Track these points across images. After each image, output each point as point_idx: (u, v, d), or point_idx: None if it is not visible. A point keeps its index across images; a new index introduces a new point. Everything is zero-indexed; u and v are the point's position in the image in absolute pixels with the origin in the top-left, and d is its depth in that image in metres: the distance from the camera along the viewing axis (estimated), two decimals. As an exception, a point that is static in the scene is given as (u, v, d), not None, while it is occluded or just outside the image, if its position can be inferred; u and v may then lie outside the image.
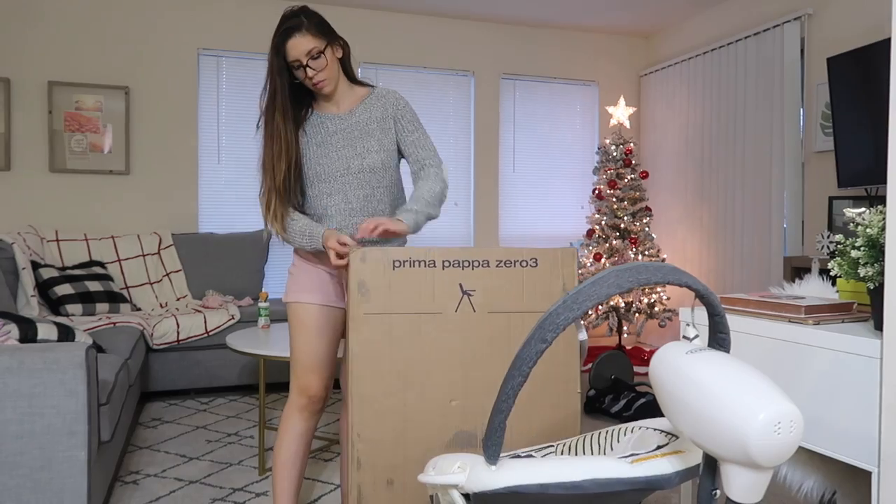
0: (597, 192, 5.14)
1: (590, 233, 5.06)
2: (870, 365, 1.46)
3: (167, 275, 4.45)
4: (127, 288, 4.32)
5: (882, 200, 3.65)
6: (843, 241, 1.58)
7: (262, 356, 2.79)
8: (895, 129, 1.38)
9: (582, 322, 4.32)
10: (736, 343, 1.80)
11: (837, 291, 1.85)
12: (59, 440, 2.01)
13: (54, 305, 3.83)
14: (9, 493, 1.98)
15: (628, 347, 5.35)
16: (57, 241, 4.25)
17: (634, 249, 4.92)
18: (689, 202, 5.29)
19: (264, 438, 2.87)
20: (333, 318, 2.03)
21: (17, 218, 4.44)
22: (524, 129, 5.65)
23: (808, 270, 3.71)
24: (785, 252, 4.41)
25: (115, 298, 4.02)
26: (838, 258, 1.60)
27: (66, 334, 2.41)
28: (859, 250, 1.52)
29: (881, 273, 1.48)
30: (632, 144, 5.12)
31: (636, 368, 4.71)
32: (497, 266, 1.64)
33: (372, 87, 2.07)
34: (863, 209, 3.77)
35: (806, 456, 1.83)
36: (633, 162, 5.11)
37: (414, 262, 1.61)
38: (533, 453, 1.47)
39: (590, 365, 4.03)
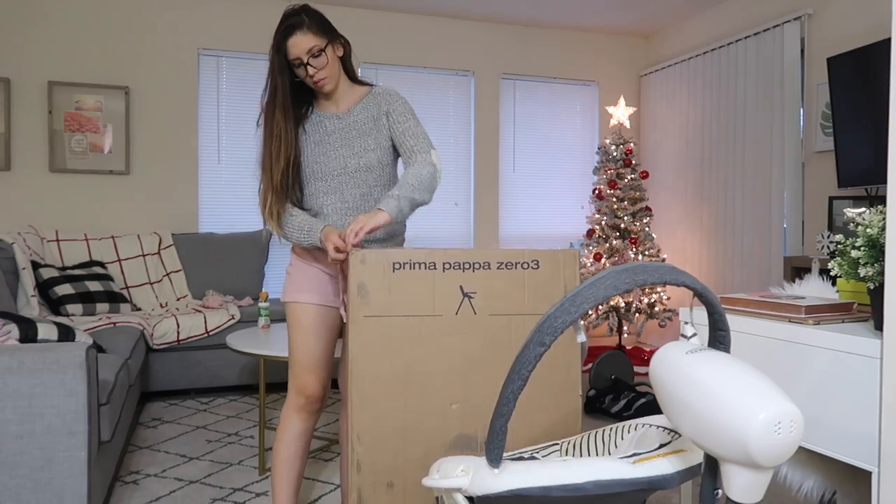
0: (597, 192, 5.14)
1: (590, 233, 5.06)
2: (870, 365, 1.46)
3: (167, 275, 4.45)
4: (127, 288, 4.32)
5: (882, 200, 3.65)
6: (843, 241, 1.58)
7: (262, 356, 2.80)
8: (895, 129, 1.38)
9: (581, 322, 4.31)
10: (736, 343, 1.80)
11: (837, 291, 1.85)
12: (59, 440, 2.01)
13: (54, 305, 3.83)
14: (9, 493, 1.98)
15: (628, 347, 5.35)
16: (57, 241, 4.25)
17: (634, 249, 4.92)
18: (689, 202, 5.29)
19: (264, 438, 2.87)
20: (331, 318, 2.03)
21: (18, 218, 4.44)
22: (524, 129, 5.65)
23: (808, 270, 3.72)
24: (785, 252, 4.41)
25: (115, 298, 4.02)
26: (838, 258, 1.60)
27: (66, 334, 2.41)
28: (859, 250, 1.52)
29: (881, 273, 1.48)
30: (632, 144, 5.12)
31: (636, 368, 4.71)
32: (498, 268, 1.63)
33: (372, 86, 2.07)
34: (863, 209, 3.77)
35: (806, 456, 1.83)
36: (633, 162, 5.11)
37: (414, 264, 1.60)
38: (536, 454, 1.47)
39: (590, 365, 4.03)
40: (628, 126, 5.19)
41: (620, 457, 1.16)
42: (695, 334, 1.17)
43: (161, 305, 4.33)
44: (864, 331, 1.57)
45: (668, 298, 5.07)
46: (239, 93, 4.91)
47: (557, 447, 1.51)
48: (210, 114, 4.86)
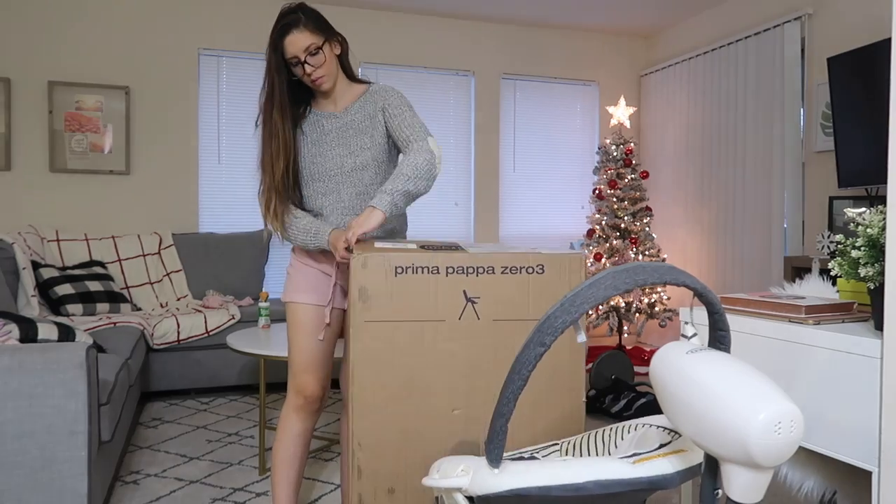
0: (597, 191, 5.14)
1: (590, 233, 5.06)
2: (870, 365, 1.46)
3: (167, 275, 4.45)
4: (127, 288, 4.32)
5: (882, 200, 3.65)
6: (843, 241, 1.58)
7: (262, 356, 2.79)
8: (895, 128, 1.38)
9: (587, 315, 4.31)
10: (736, 343, 1.80)
11: (838, 291, 1.85)
12: (59, 440, 2.01)
13: (55, 305, 3.83)
14: (9, 493, 1.98)
15: (629, 347, 5.35)
16: (57, 240, 4.25)
17: (635, 249, 4.92)
18: (690, 202, 5.29)
19: (264, 438, 2.87)
20: (331, 319, 2.03)
21: (18, 218, 4.44)
22: (524, 129, 5.65)
23: (808, 270, 3.71)
24: (785, 252, 4.41)
25: (115, 298, 4.02)
26: (838, 258, 1.60)
27: (66, 334, 2.41)
28: (859, 250, 1.52)
29: (881, 273, 1.48)
30: (632, 144, 5.12)
31: (636, 368, 4.72)
32: (502, 272, 1.61)
33: (369, 84, 2.05)
34: (863, 209, 3.77)
35: (806, 456, 1.83)
36: (634, 162, 5.11)
37: (417, 268, 1.58)
38: (536, 454, 1.47)
39: (590, 365, 4.03)
40: (628, 126, 5.19)
41: (620, 457, 1.16)
42: (695, 334, 1.17)
43: (161, 305, 4.33)
44: (865, 331, 1.57)
45: (669, 298, 5.07)
46: (239, 93, 4.91)
47: (557, 447, 1.50)
48: (210, 114, 4.86)
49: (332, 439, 3.06)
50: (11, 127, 4.43)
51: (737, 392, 1.02)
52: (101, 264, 4.24)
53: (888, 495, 1.41)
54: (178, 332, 3.87)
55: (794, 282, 2.12)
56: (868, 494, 1.76)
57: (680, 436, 1.27)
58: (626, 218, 4.99)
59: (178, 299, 4.41)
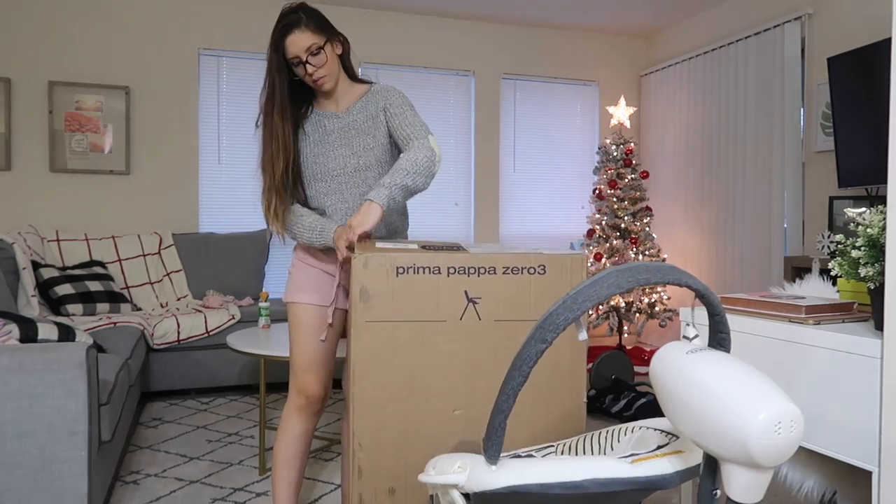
0: (597, 191, 5.14)
1: (590, 233, 5.06)
2: (870, 365, 1.46)
3: (167, 275, 4.45)
4: (127, 288, 4.32)
5: (882, 200, 3.65)
6: (843, 241, 1.58)
7: (262, 356, 2.79)
8: (895, 128, 1.38)
9: (588, 315, 4.31)
10: (736, 343, 1.80)
11: (838, 291, 1.86)
12: (59, 440, 2.02)
13: (55, 305, 3.83)
14: (9, 493, 1.98)
15: (629, 347, 5.35)
16: (57, 240, 4.25)
17: (635, 249, 4.92)
18: (690, 202, 5.29)
19: (265, 438, 2.87)
20: (333, 319, 2.03)
21: (18, 218, 4.44)
22: (524, 129, 5.65)
23: (808, 270, 3.71)
24: (785, 252, 4.41)
25: (115, 298, 4.02)
26: (839, 258, 1.60)
27: (66, 334, 2.41)
28: (860, 250, 1.52)
29: (881, 273, 1.48)
30: (632, 144, 5.12)
31: (637, 368, 4.72)
32: (504, 273, 1.60)
33: (371, 84, 2.05)
34: (863, 209, 3.77)
35: (806, 456, 1.83)
36: (634, 162, 5.11)
37: (418, 268, 1.57)
38: (533, 453, 1.47)
39: (590, 365, 4.03)
40: (628, 126, 5.19)
41: (619, 457, 1.16)
42: (696, 336, 1.17)
43: (161, 305, 4.33)
44: (865, 331, 1.57)
45: (669, 298, 5.07)
46: (239, 93, 4.91)
47: (553, 449, 1.50)
48: (210, 114, 4.86)
49: (332, 439, 3.06)
50: (11, 127, 4.43)
51: (737, 392, 1.02)
52: (102, 264, 4.24)
53: (888, 495, 1.41)
54: (179, 332, 3.87)
55: (794, 282, 2.12)
56: (868, 494, 1.76)
57: (677, 438, 1.27)
58: (626, 218, 4.99)
59: (179, 299, 4.41)
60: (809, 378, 1.60)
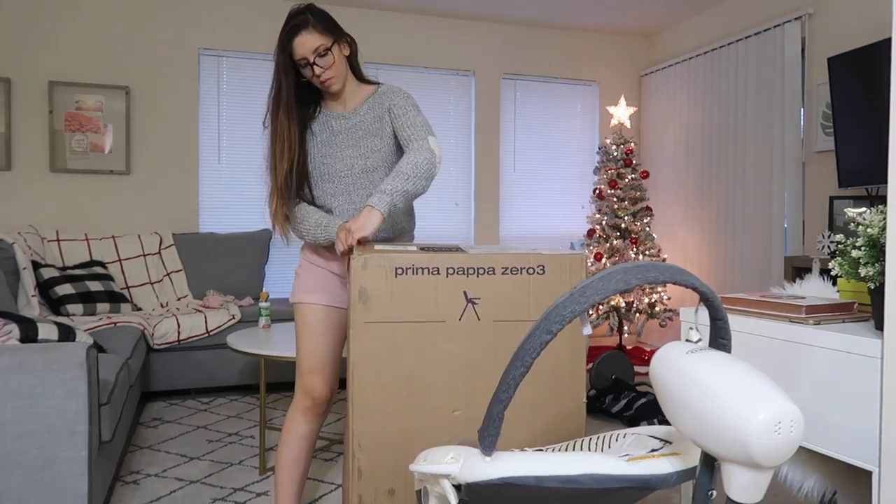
0: (597, 191, 5.14)
1: (590, 233, 5.06)
2: (870, 365, 1.46)
3: (168, 275, 4.45)
4: (128, 288, 4.32)
5: (883, 200, 3.65)
6: (843, 241, 1.58)
7: (262, 356, 2.79)
8: (895, 128, 1.38)
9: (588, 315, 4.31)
10: (736, 343, 1.80)
11: (838, 291, 1.85)
12: (59, 440, 2.02)
13: (55, 305, 3.83)
14: (9, 493, 1.98)
15: (629, 347, 5.35)
16: (57, 240, 4.25)
17: (635, 249, 4.92)
18: (690, 202, 5.29)
19: (265, 438, 2.87)
20: (338, 319, 2.02)
21: (18, 218, 4.44)
22: (525, 129, 5.65)
23: (808, 270, 3.71)
24: (785, 252, 4.41)
25: (115, 298, 4.03)
26: (839, 258, 1.60)
27: (66, 334, 2.41)
28: (860, 250, 1.52)
29: (882, 273, 1.48)
30: (632, 144, 5.12)
31: (637, 368, 4.71)
32: (503, 273, 1.60)
33: (378, 85, 2.04)
34: (863, 209, 3.77)
35: (806, 456, 1.83)
36: (634, 162, 5.12)
37: (417, 269, 1.57)
38: (526, 451, 1.47)
39: (590, 365, 4.03)
40: (629, 126, 5.19)
41: (617, 455, 1.16)
42: (700, 339, 1.16)
43: (161, 305, 4.33)
44: (865, 331, 1.57)
45: (669, 298, 5.07)
46: (240, 93, 4.91)
47: (543, 451, 1.50)
48: (211, 114, 4.86)
49: (332, 439, 3.07)
50: (12, 127, 4.43)
51: (737, 392, 1.02)
52: (102, 264, 4.24)
53: (888, 495, 1.41)
54: (179, 332, 3.87)
55: (794, 282, 2.12)
56: (868, 494, 1.76)
57: (671, 444, 1.27)
58: (626, 218, 4.99)
59: (179, 299, 4.41)
60: (809, 378, 1.60)
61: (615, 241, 4.94)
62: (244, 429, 3.48)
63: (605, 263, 4.90)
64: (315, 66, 1.88)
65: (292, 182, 1.92)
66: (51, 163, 4.47)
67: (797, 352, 1.63)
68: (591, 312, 4.84)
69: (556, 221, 5.72)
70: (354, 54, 2.00)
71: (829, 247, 3.42)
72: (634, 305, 4.87)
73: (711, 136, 5.04)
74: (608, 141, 5.15)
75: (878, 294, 1.52)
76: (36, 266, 3.91)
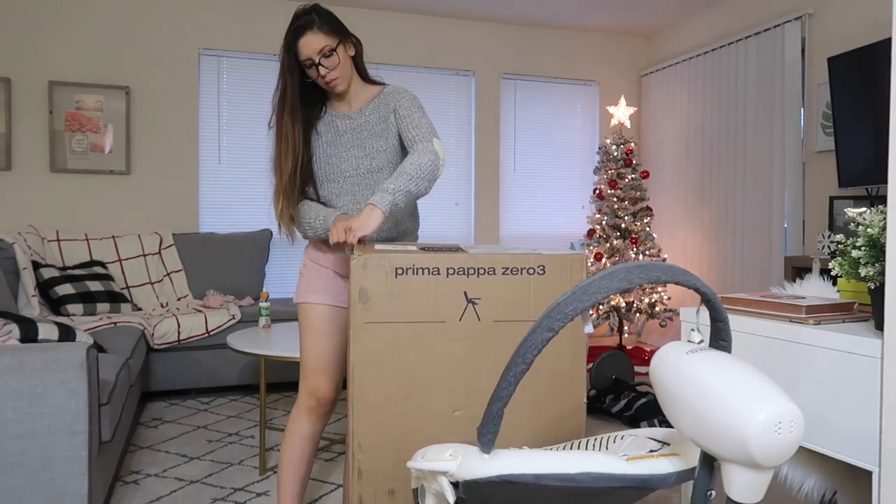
0: (597, 191, 5.14)
1: (590, 233, 5.06)
2: (870, 365, 1.46)
3: (168, 275, 4.45)
4: (128, 288, 4.32)
5: (883, 200, 3.65)
6: (843, 241, 1.58)
7: (262, 356, 2.79)
8: (895, 128, 1.38)
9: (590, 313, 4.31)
10: (737, 343, 1.80)
11: (838, 291, 1.85)
12: (60, 440, 2.02)
13: (55, 305, 3.83)
14: (10, 493, 1.98)
15: (629, 347, 5.35)
16: (58, 240, 4.25)
17: (635, 249, 4.92)
18: (690, 202, 5.29)
19: (265, 438, 2.87)
20: (343, 319, 2.02)
21: (18, 218, 4.44)
22: (525, 129, 5.65)
23: (808, 270, 3.71)
24: (786, 252, 4.41)
25: (115, 298, 4.03)
26: (839, 258, 1.60)
27: (66, 334, 2.41)
28: (860, 250, 1.52)
29: (882, 273, 1.48)
30: (632, 144, 5.12)
31: (637, 368, 4.71)
32: (503, 273, 1.59)
33: (384, 85, 2.04)
34: (863, 209, 3.77)
35: (806, 456, 1.83)
36: (634, 162, 5.12)
37: (417, 269, 1.56)
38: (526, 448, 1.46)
39: (590, 365, 4.03)
40: (629, 126, 5.19)
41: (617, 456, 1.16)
42: (701, 341, 1.16)
43: (162, 305, 4.33)
44: (865, 331, 1.57)
45: (669, 298, 5.07)
46: (240, 93, 4.91)
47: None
48: (211, 114, 4.86)
49: (333, 439, 3.07)
50: (12, 127, 4.43)
51: (737, 392, 1.02)
52: (102, 264, 4.24)
53: (888, 495, 1.41)
54: (179, 332, 3.87)
55: (794, 282, 2.12)
56: (868, 494, 1.76)
57: (669, 445, 1.27)
58: (626, 218, 4.99)
59: (179, 299, 4.41)
60: (810, 378, 1.60)
61: (615, 241, 4.94)
62: (244, 429, 3.48)
63: (605, 263, 4.90)
64: (320, 67, 1.88)
65: (296, 182, 1.92)
66: (51, 163, 4.47)
67: (797, 352, 1.63)
68: (591, 312, 4.85)
69: (557, 221, 5.72)
70: (360, 55, 2.00)
71: (829, 247, 3.42)
72: (634, 305, 4.87)
73: (711, 136, 5.04)
74: (608, 141, 5.15)
75: (878, 294, 1.52)
76: (36, 266, 3.91)
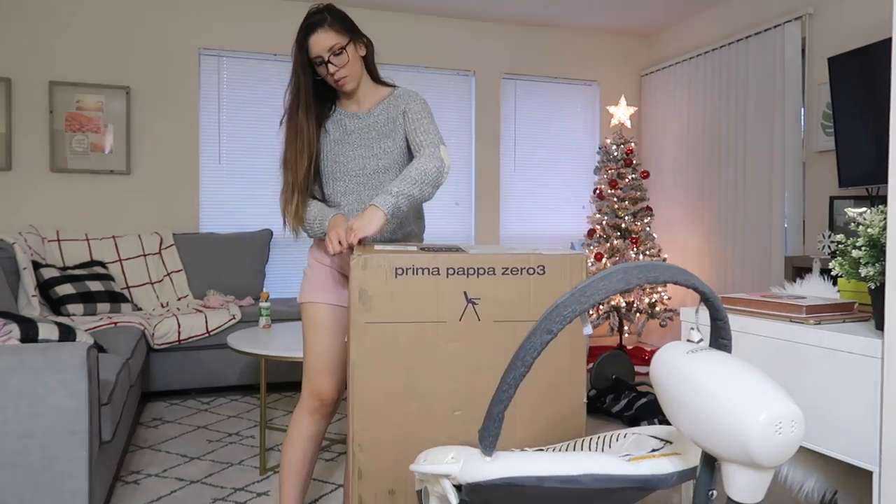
0: (598, 191, 5.14)
1: (591, 232, 5.06)
2: (871, 365, 1.46)
3: (168, 275, 4.45)
4: (128, 288, 4.32)
5: (883, 200, 3.64)
6: (843, 241, 1.58)
7: (262, 356, 2.79)
8: (896, 128, 1.38)
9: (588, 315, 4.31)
10: (737, 343, 1.80)
11: (838, 291, 1.85)
12: (60, 440, 2.02)
13: (55, 305, 3.83)
14: (10, 493, 1.98)
15: (629, 347, 5.35)
16: (58, 240, 4.25)
17: (635, 249, 4.92)
18: (690, 202, 5.29)
19: (265, 438, 2.87)
20: (346, 319, 2.02)
21: (19, 218, 4.44)
22: (525, 129, 5.65)
23: (809, 270, 3.71)
24: (786, 252, 4.41)
25: (116, 298, 4.03)
26: (839, 258, 1.60)
27: (67, 334, 2.41)
28: (860, 250, 1.52)
29: (882, 273, 1.48)
30: (633, 144, 5.12)
31: (637, 368, 4.71)
32: (503, 273, 1.59)
33: (395, 87, 2.05)
34: (864, 209, 3.77)
35: (807, 456, 1.83)
36: (634, 162, 5.12)
37: (417, 269, 1.56)
38: (526, 451, 1.46)
39: (591, 365, 4.03)
40: (629, 126, 5.19)
41: (618, 456, 1.16)
42: (701, 340, 1.16)
43: (162, 305, 4.33)
44: (865, 330, 1.57)
45: (669, 298, 5.07)
46: (240, 93, 4.91)
47: (544, 451, 1.50)
48: (211, 114, 4.86)
49: (333, 439, 3.06)
50: (12, 127, 4.43)
51: (737, 392, 1.02)
52: (102, 264, 4.24)
53: (889, 495, 1.41)
54: (179, 332, 3.87)
55: (794, 281, 2.12)
56: (868, 494, 1.76)
57: (671, 444, 1.27)
58: (626, 218, 4.99)
59: (179, 299, 4.41)
60: (810, 378, 1.60)
61: (615, 241, 4.94)
62: (244, 429, 3.48)
63: (605, 263, 4.90)
64: (329, 65, 1.89)
65: (311, 179, 1.93)
66: (51, 163, 4.47)
67: (797, 352, 1.63)
68: (591, 312, 4.84)
69: (557, 221, 5.72)
70: (371, 55, 2.02)
71: (829, 247, 3.42)
72: (635, 305, 4.87)
73: (712, 135, 5.04)
74: (608, 141, 5.15)
75: (878, 294, 1.52)
76: (36, 266, 3.91)
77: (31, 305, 3.71)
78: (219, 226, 4.88)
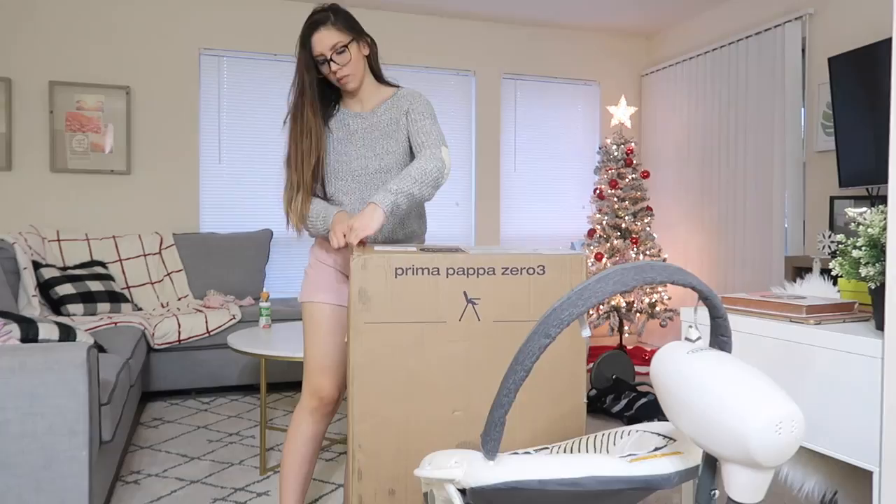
0: (598, 191, 5.14)
1: (591, 232, 5.06)
2: (871, 365, 1.46)
3: (168, 274, 4.45)
4: (128, 288, 4.32)
5: (883, 200, 3.65)
6: (844, 241, 1.58)
7: (263, 356, 2.79)
8: (896, 128, 1.38)
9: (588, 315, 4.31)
10: (737, 343, 1.80)
11: (839, 291, 1.85)
12: (60, 440, 2.02)
13: (55, 305, 3.83)
14: (10, 493, 1.98)
15: (629, 347, 5.35)
16: (58, 240, 4.25)
17: (635, 249, 4.92)
18: (691, 202, 5.29)
19: (265, 438, 2.87)
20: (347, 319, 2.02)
21: (19, 218, 4.44)
22: (525, 129, 5.65)
23: (809, 270, 3.71)
24: (786, 252, 4.41)
25: (116, 298, 4.03)
26: (839, 258, 1.60)
27: (67, 334, 2.41)
28: (860, 250, 1.52)
29: (882, 273, 1.48)
30: (633, 144, 5.12)
31: (637, 368, 4.71)
32: (503, 273, 1.59)
33: (398, 87, 2.06)
34: (864, 209, 3.77)
35: (807, 456, 1.83)
36: (635, 162, 5.12)
37: (417, 269, 1.56)
38: (530, 451, 1.47)
39: (591, 365, 4.03)
40: (629, 126, 5.19)
41: (619, 456, 1.16)
42: (699, 338, 1.16)
43: (162, 305, 4.33)
44: (866, 331, 1.57)
45: (670, 298, 5.07)
46: (240, 93, 4.91)
47: (548, 451, 1.50)
48: (211, 113, 4.86)
49: (333, 439, 3.07)
50: (12, 127, 4.43)
51: (738, 392, 1.02)
52: (102, 264, 4.24)
53: (889, 495, 1.41)
54: (179, 332, 3.87)
55: (794, 281, 2.12)
56: (869, 494, 1.76)
57: (675, 441, 1.27)
58: (626, 218, 4.99)
59: (179, 299, 4.41)
60: (810, 378, 1.60)
61: (616, 241, 4.94)
62: (245, 429, 3.48)
63: (605, 263, 4.90)
64: (332, 63, 1.90)
65: (318, 177, 1.94)
66: (51, 163, 4.47)
67: (797, 352, 1.63)
68: (591, 313, 4.84)
69: (557, 221, 5.72)
70: (374, 55, 2.02)
71: (829, 247, 3.42)
72: (635, 305, 4.87)
73: (712, 135, 5.04)
74: (608, 141, 5.15)
75: (878, 294, 1.52)
76: (36, 266, 3.91)
77: (31, 305, 3.71)
78: (219, 226, 4.88)
